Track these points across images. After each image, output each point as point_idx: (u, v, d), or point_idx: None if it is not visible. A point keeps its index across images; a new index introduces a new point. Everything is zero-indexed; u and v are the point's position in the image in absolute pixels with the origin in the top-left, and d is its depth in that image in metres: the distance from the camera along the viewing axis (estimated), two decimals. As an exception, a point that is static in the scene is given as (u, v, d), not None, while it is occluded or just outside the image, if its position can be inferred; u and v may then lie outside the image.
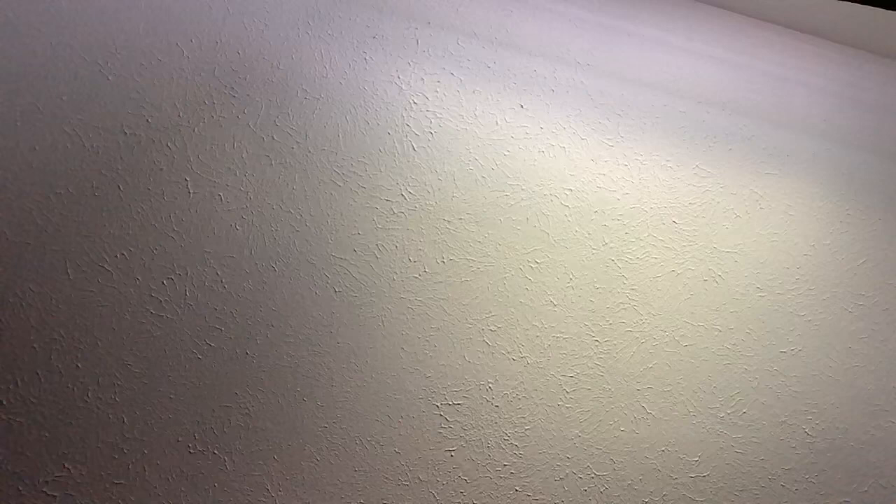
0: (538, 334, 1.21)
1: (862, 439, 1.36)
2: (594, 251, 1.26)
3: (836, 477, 1.34)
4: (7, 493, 0.98)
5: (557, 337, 1.22)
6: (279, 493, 1.08)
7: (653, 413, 1.26)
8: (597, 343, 1.24)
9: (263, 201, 1.11)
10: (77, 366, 1.01)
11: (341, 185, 1.14)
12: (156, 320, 1.05)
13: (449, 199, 1.19)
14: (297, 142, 1.13)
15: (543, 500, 1.19)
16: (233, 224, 1.09)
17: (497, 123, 1.23)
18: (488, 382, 1.18)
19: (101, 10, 1.07)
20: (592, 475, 1.22)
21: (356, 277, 1.14)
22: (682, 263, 1.30)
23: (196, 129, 1.09)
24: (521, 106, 1.25)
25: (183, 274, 1.06)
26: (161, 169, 1.07)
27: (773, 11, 1.37)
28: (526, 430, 1.19)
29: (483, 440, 1.17)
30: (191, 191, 1.08)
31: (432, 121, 1.20)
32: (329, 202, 1.14)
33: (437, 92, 1.20)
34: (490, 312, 1.19)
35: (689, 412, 1.28)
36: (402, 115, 1.18)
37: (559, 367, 1.22)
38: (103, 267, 1.03)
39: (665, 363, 1.27)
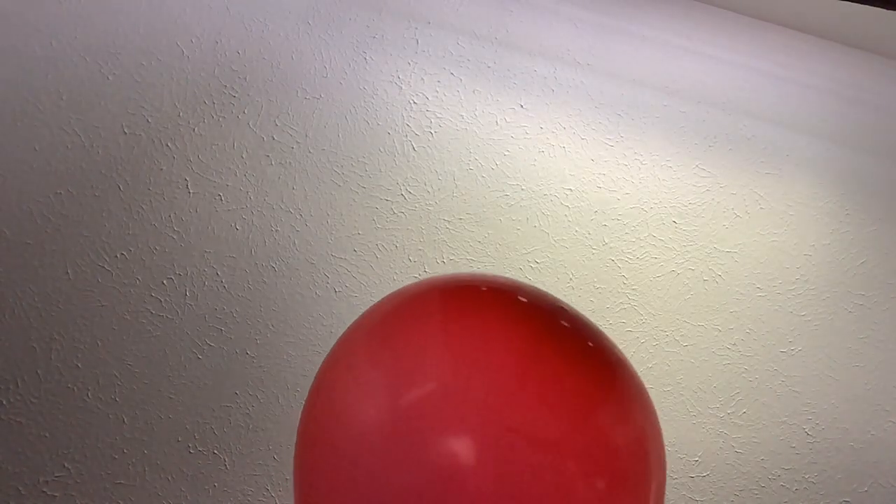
0: (538, 334, 1.21)
1: (862, 439, 1.36)
2: (594, 251, 1.26)
3: (836, 477, 1.34)
4: (7, 493, 0.98)
5: (557, 337, 1.22)
6: (279, 493, 1.08)
7: (653, 413, 1.26)
8: (597, 343, 1.24)
9: (263, 201, 1.11)
10: (77, 366, 1.01)
11: (341, 185, 1.14)
12: (156, 320, 1.05)
13: (449, 199, 1.19)
14: (297, 142, 1.13)
15: (543, 500, 1.18)
16: (233, 224, 1.09)
17: (497, 123, 1.23)
18: (488, 382, 1.18)
19: (101, 9, 1.07)
20: (592, 475, 1.22)
21: (356, 277, 1.14)
22: (682, 263, 1.30)
23: (196, 129, 1.09)
24: (521, 106, 1.24)
25: (183, 274, 1.06)
26: (161, 169, 1.07)
27: (773, 11, 1.37)
28: (526, 430, 1.19)
29: (483, 440, 1.17)
30: (191, 191, 1.08)
31: (432, 121, 1.20)
32: (329, 202, 1.14)
33: (437, 92, 1.20)
34: (490, 312, 1.19)
35: (689, 412, 1.28)
36: (402, 115, 1.18)
37: (559, 367, 1.22)
38: (103, 267, 1.03)
39: (665, 363, 1.27)
